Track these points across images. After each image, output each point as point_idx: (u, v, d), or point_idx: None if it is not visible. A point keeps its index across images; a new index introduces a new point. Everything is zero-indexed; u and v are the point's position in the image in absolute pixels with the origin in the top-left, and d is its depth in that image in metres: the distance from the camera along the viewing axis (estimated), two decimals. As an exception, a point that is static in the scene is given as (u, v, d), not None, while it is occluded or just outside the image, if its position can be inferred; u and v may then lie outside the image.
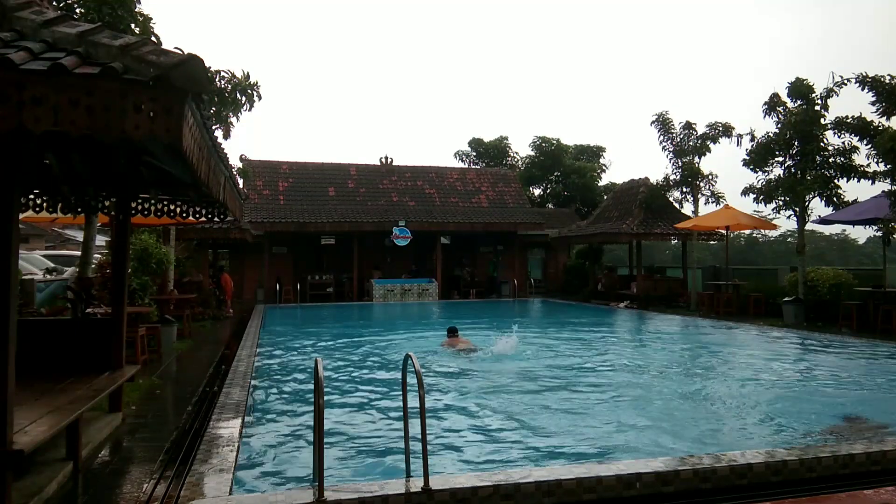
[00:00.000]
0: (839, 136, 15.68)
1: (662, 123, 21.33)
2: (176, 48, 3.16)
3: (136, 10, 8.77)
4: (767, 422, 6.73)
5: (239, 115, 10.34)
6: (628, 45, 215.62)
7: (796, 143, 16.06)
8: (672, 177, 21.59)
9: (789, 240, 49.12)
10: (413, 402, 4.41)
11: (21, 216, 5.06)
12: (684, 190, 21.46)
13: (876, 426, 6.49)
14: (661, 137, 21.38)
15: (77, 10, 8.11)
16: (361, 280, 25.50)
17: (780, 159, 16.66)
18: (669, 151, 21.31)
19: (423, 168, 30.26)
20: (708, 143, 20.46)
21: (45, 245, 29.10)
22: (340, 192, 27.14)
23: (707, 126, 20.41)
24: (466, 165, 40.48)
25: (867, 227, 15.96)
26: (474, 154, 42.44)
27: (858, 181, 15.57)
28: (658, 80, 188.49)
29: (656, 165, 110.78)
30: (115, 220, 6.51)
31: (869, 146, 14.48)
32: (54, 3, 6.94)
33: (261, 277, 25.07)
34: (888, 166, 13.65)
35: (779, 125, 16.61)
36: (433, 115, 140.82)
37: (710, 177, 20.89)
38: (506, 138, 42.39)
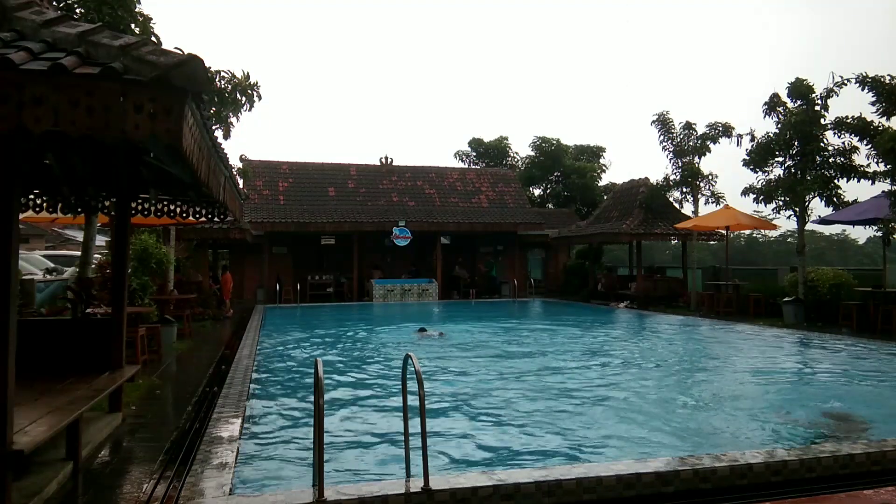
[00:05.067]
0: (839, 137, 15.70)
1: (662, 123, 21.34)
2: (176, 48, 3.16)
3: (136, 10, 8.75)
4: (766, 421, 6.72)
5: (239, 115, 10.31)
6: (629, 45, 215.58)
7: (796, 144, 16.07)
8: (672, 177, 21.60)
9: (789, 240, 49.14)
10: (413, 401, 4.41)
11: (21, 216, 5.06)
12: (684, 190, 21.47)
13: (867, 423, 6.51)
14: (661, 137, 21.39)
15: (77, 10, 8.09)
16: (361, 280, 25.50)
17: (780, 159, 16.67)
18: (669, 151, 21.32)
19: (423, 168, 30.26)
20: (708, 143, 20.46)
21: (45, 245, 29.08)
22: (340, 192, 27.14)
23: (707, 126, 20.44)
24: (466, 165, 40.52)
25: (867, 227, 15.96)
26: (474, 154, 42.48)
27: (858, 181, 15.59)
28: (658, 80, 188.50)
29: (656, 165, 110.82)
30: (115, 220, 6.51)
31: (869, 146, 14.48)
32: (54, 3, 6.94)
33: (261, 277, 25.08)
34: (888, 166, 13.66)
35: (779, 125, 16.61)
36: (433, 115, 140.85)
37: (710, 177, 20.91)
38: (506, 138, 42.48)
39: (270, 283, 24.50)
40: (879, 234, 14.71)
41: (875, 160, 14.52)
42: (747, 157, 17.16)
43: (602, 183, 39.91)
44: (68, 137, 3.21)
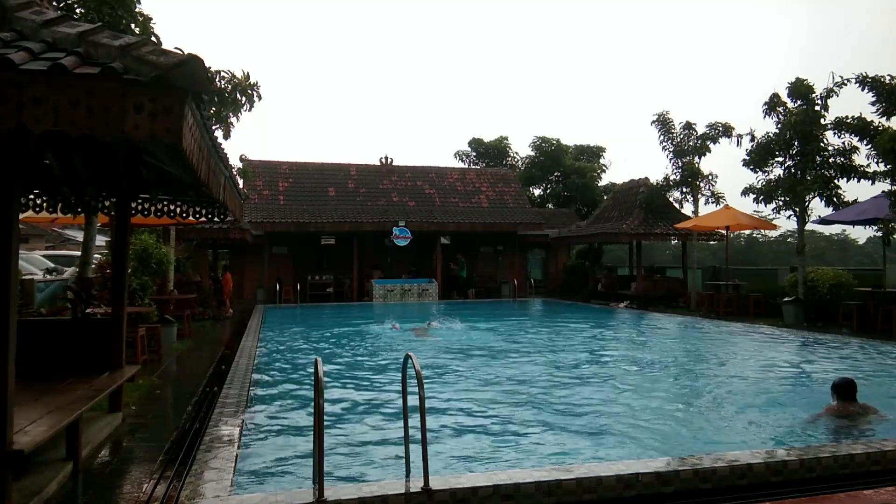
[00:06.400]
0: (839, 137, 15.70)
1: (663, 123, 21.32)
2: (176, 48, 3.16)
3: (136, 10, 8.75)
4: (766, 421, 6.73)
5: (239, 115, 10.30)
6: (629, 45, 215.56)
7: (796, 144, 16.06)
8: (672, 177, 21.58)
9: (789, 240, 49.12)
10: (413, 401, 4.41)
11: (21, 216, 5.06)
12: (684, 190, 21.45)
13: (869, 422, 6.51)
14: (662, 137, 21.37)
15: (77, 10, 8.09)
16: (361, 280, 25.51)
17: (780, 159, 16.67)
18: (669, 151, 21.30)
19: (423, 168, 30.27)
20: (708, 143, 20.44)
21: (45, 245, 29.10)
22: (340, 192, 27.14)
23: (707, 126, 20.41)
24: (466, 165, 40.52)
25: (867, 227, 15.96)
26: (474, 154, 42.47)
27: (858, 181, 15.58)
28: (658, 80, 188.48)
29: (656, 165, 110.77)
30: (115, 220, 6.51)
31: (869, 146, 14.48)
32: (54, 3, 6.94)
33: (261, 277, 25.08)
34: (888, 166, 13.66)
35: (779, 125, 16.61)
36: (433, 115, 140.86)
37: (710, 177, 20.89)
38: (506, 138, 42.47)
39: (270, 283, 24.49)
40: (879, 234, 14.71)
41: (875, 160, 14.52)
42: (747, 157, 17.15)
43: (602, 183, 39.94)
44: (68, 137, 3.22)
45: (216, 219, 6.70)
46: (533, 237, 28.39)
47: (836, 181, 15.84)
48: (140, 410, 6.76)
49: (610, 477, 4.42)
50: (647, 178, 24.55)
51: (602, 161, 42.02)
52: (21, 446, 3.56)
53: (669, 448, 5.62)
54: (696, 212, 21.05)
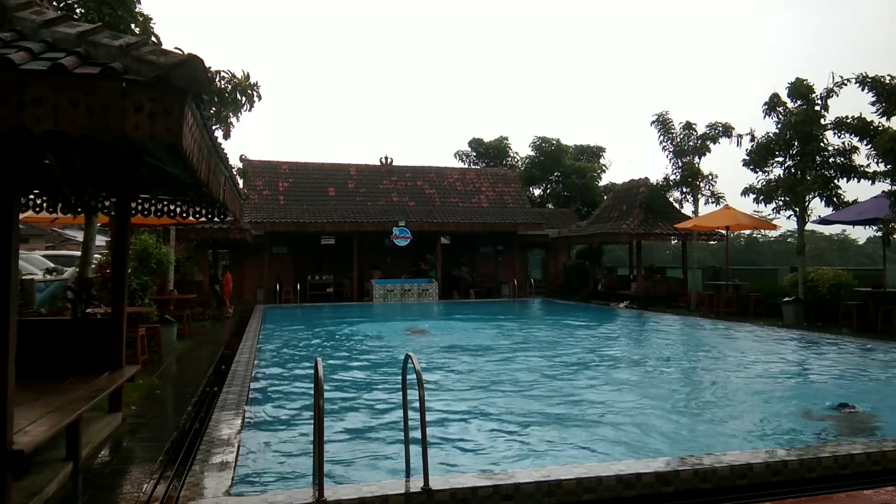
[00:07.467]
0: (839, 137, 15.70)
1: (662, 124, 21.31)
2: (176, 48, 3.16)
3: (136, 10, 8.75)
4: (765, 421, 6.72)
5: (239, 115, 10.30)
6: (628, 45, 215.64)
7: (796, 144, 16.06)
8: (672, 177, 21.57)
9: (789, 240, 49.12)
10: (413, 401, 4.41)
11: (21, 216, 5.06)
12: (684, 190, 21.44)
13: (867, 419, 6.53)
14: (661, 137, 21.36)
15: (77, 10, 8.09)
16: (361, 280, 25.51)
17: (780, 159, 16.66)
18: (669, 151, 21.30)
19: (423, 168, 30.26)
20: (708, 143, 20.44)
21: (45, 245, 29.10)
22: (340, 192, 27.13)
23: (707, 126, 20.40)
24: (466, 165, 40.51)
25: (867, 227, 15.96)
26: (474, 154, 42.47)
27: (858, 181, 15.58)
28: (658, 80, 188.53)
29: (656, 165, 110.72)
30: (115, 220, 6.51)
31: (869, 146, 14.48)
32: (54, 3, 6.93)
33: (261, 277, 25.07)
34: (888, 166, 13.66)
35: (779, 125, 16.61)
36: (433, 115, 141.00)
37: (710, 177, 20.89)
38: (506, 138, 42.46)
39: (270, 283, 24.48)
40: (879, 234, 14.71)
41: (875, 160, 14.52)
42: (747, 157, 17.15)
43: (602, 183, 39.93)
44: (68, 137, 3.21)
45: (216, 219, 6.70)
46: (533, 237, 28.38)
47: (836, 181, 15.84)
48: (140, 410, 6.76)
49: (610, 477, 4.42)
50: (647, 178, 24.54)
51: (602, 161, 42.04)
52: (21, 446, 3.56)
53: (669, 447, 5.62)
54: (696, 212, 21.04)
